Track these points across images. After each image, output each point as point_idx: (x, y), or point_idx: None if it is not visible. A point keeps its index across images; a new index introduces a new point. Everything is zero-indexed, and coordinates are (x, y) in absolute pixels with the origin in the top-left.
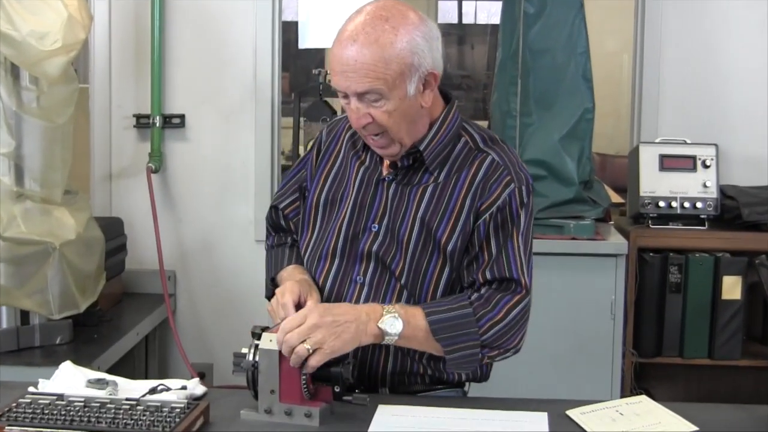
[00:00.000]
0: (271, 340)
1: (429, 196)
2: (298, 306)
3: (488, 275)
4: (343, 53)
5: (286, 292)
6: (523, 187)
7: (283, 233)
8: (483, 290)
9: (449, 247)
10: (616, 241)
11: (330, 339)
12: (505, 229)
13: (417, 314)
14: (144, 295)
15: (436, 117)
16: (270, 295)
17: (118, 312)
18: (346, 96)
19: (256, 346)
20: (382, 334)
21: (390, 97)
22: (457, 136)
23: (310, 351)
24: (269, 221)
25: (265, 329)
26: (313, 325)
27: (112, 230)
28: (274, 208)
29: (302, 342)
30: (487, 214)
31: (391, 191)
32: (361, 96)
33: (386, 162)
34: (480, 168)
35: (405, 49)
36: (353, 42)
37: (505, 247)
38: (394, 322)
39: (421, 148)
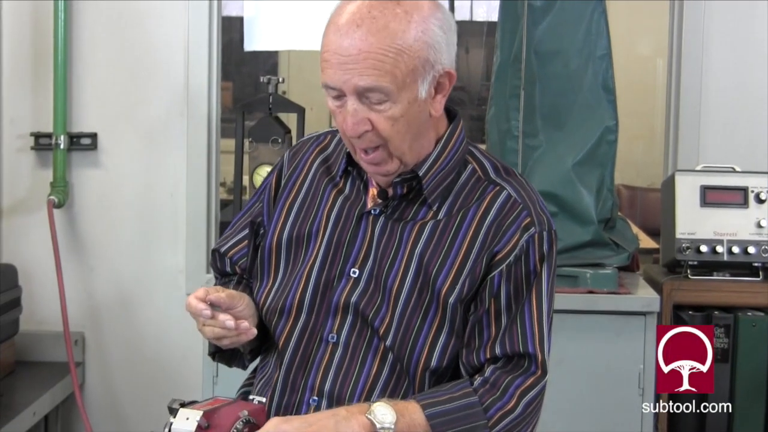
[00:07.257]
0: (188, 418)
1: (427, 236)
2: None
3: (498, 350)
4: (342, 41)
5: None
6: (545, 234)
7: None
8: (488, 371)
9: (450, 300)
10: (646, 296)
11: None
12: (522, 289)
13: (410, 407)
14: (43, 364)
15: (440, 135)
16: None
17: (9, 386)
18: (338, 97)
19: (171, 425)
20: (372, 426)
21: (397, 100)
22: (462, 162)
23: None
24: (213, 270)
25: (189, 404)
26: None
27: (3, 281)
28: (216, 252)
29: None
30: (502, 266)
31: (378, 228)
32: (361, 95)
33: (372, 190)
34: (492, 204)
35: (420, 40)
36: (357, 27)
37: (520, 313)
38: (386, 412)
39: (420, 174)
